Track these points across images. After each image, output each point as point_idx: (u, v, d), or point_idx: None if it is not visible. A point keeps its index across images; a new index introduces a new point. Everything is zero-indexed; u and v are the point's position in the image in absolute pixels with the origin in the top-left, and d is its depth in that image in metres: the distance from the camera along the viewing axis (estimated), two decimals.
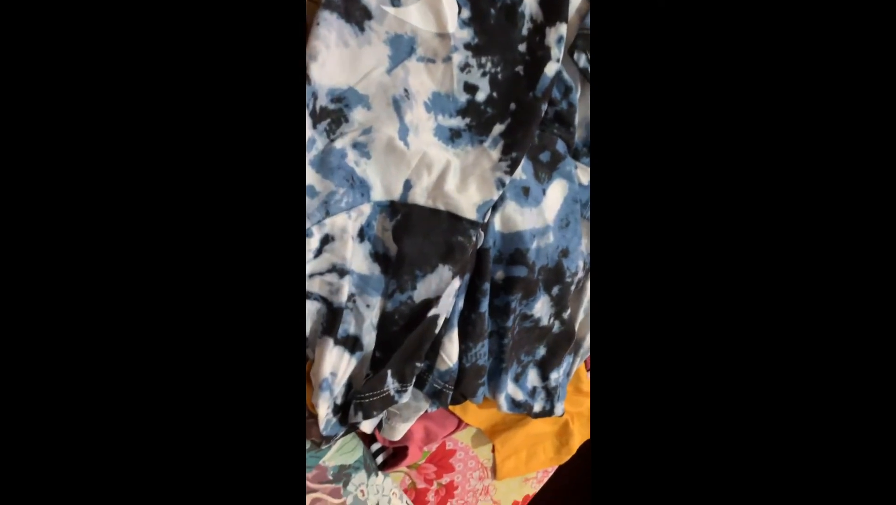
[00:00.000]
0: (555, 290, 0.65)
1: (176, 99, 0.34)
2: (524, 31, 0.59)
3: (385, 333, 0.59)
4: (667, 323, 0.36)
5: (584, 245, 0.68)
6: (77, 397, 0.33)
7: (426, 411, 0.64)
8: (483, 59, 0.58)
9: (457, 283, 0.56)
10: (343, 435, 0.64)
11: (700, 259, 0.35)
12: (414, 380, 0.59)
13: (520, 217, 0.60)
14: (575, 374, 0.78)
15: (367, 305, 0.58)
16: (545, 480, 0.84)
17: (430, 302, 0.57)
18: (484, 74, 0.59)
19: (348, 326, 0.58)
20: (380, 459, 0.71)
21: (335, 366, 0.58)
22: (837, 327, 0.34)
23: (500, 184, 0.57)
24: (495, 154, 0.58)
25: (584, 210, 0.67)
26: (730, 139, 0.35)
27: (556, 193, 0.63)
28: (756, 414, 0.35)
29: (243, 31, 0.35)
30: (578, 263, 0.66)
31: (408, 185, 0.57)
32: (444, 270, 0.56)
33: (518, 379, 0.71)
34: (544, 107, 0.59)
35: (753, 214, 0.35)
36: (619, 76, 0.37)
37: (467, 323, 0.60)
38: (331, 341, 0.57)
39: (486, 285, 0.60)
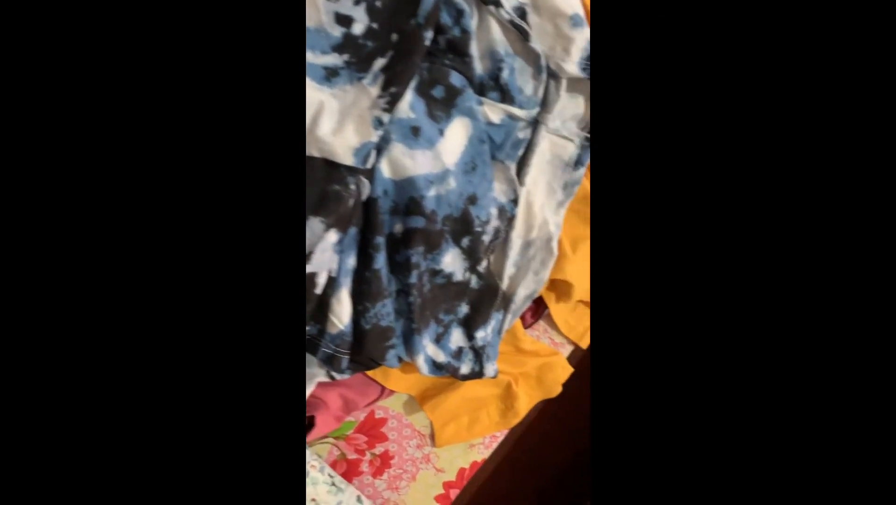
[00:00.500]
0: (464, 241, 0.59)
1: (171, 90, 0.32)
2: None
3: None
4: (667, 323, 0.35)
5: (500, 191, 0.61)
6: (74, 394, 0.32)
7: (332, 378, 0.60)
8: None
9: (332, 236, 0.51)
10: None
11: (700, 258, 0.35)
12: None
13: (410, 161, 0.54)
14: (512, 332, 0.73)
15: None
16: (493, 445, 0.80)
17: None
18: (358, 2, 0.52)
19: None
20: None
21: None
22: (834, 322, 0.33)
23: (378, 123, 0.51)
24: (374, 91, 0.52)
25: (499, 152, 0.61)
26: (730, 139, 0.34)
27: (456, 134, 0.56)
28: (756, 413, 0.34)
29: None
30: (490, 211, 0.60)
31: None
32: (314, 223, 0.50)
33: (440, 339, 0.65)
34: (428, 34, 0.52)
35: (753, 215, 0.34)
36: (619, 76, 0.36)
37: (362, 282, 0.55)
38: None
39: (380, 239, 0.55)
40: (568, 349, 0.78)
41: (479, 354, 0.67)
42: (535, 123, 0.62)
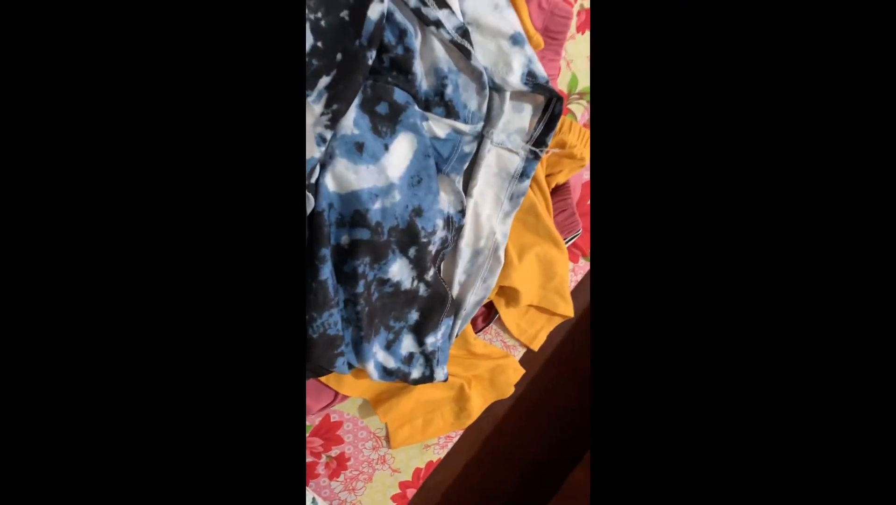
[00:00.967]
0: (411, 251, 0.61)
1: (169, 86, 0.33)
2: None
3: None
4: (666, 321, 0.36)
5: (446, 202, 0.64)
6: (71, 392, 0.32)
7: None
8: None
9: None
10: None
11: (699, 257, 0.35)
12: None
13: (353, 176, 0.55)
14: (463, 337, 0.75)
15: None
16: (448, 445, 0.82)
17: None
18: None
19: None
20: None
21: None
22: (833, 321, 0.34)
23: (321, 140, 0.53)
24: (318, 108, 0.54)
25: (445, 165, 0.63)
26: (730, 139, 0.35)
27: (402, 149, 0.58)
28: (755, 412, 0.35)
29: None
30: (436, 222, 0.62)
31: None
32: None
33: (391, 346, 0.68)
34: (371, 54, 0.54)
35: (753, 214, 0.34)
36: (619, 75, 0.36)
37: (308, 292, 0.57)
38: None
39: (325, 251, 0.56)
40: (520, 352, 0.81)
41: (429, 359, 0.69)
42: (480, 137, 0.64)
